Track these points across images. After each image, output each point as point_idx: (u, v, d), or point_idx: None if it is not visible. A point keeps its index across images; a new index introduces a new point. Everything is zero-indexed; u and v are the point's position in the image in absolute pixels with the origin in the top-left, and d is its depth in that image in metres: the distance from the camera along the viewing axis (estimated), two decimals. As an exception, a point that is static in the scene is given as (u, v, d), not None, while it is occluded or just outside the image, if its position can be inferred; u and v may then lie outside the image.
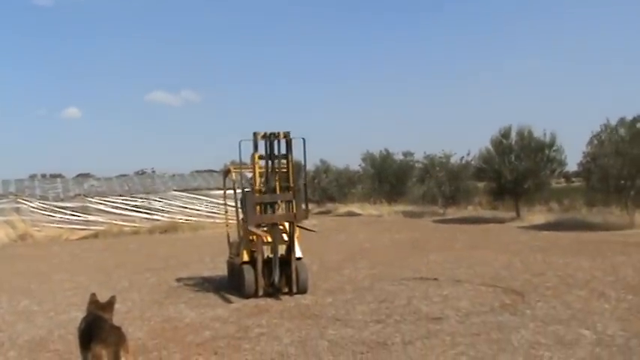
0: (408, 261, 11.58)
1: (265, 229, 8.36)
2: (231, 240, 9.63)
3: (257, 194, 8.31)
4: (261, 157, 8.36)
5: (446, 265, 10.77)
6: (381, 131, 78.29)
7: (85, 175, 25.65)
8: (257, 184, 8.39)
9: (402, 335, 5.90)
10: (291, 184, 8.45)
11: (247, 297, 8.14)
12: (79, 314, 7.21)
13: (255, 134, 8.30)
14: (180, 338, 6.20)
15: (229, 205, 10.09)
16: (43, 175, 25.54)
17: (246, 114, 79.37)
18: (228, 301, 8.09)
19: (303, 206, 8.49)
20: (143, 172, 29.07)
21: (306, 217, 8.60)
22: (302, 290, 8.34)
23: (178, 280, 10.22)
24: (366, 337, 5.93)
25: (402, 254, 12.75)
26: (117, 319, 7.17)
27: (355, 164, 38.40)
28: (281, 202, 8.50)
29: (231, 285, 9.16)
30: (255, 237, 8.25)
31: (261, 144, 8.37)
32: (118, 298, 8.49)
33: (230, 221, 9.80)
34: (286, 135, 8.39)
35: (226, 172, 9.79)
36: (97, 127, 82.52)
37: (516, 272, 9.66)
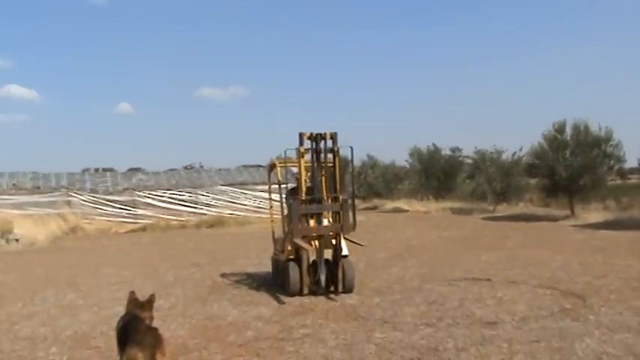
0: (459, 260, 11.15)
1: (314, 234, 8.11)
2: (276, 236, 9.41)
3: (303, 205, 8.02)
4: (307, 151, 8.10)
5: (498, 265, 10.31)
6: (430, 126, 77.23)
7: (136, 170, 25.94)
8: (303, 179, 8.14)
9: (455, 340, 5.54)
10: (338, 191, 8.17)
11: (292, 295, 7.89)
12: (123, 309, 7.13)
13: (300, 135, 8.04)
14: (222, 338, 5.98)
15: (274, 200, 9.87)
16: (96, 170, 25.87)
17: (294, 109, 79.59)
18: (272, 299, 7.87)
19: (351, 217, 8.15)
20: (191, 167, 29.15)
21: (353, 229, 8.21)
22: (348, 289, 8.04)
23: (223, 275, 10.07)
24: (415, 341, 5.59)
25: (452, 252, 12.31)
26: (159, 315, 7.05)
27: (402, 159, 37.93)
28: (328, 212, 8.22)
29: (275, 282, 8.94)
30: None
31: (307, 145, 8.16)
32: (162, 293, 8.40)
33: (275, 216, 9.57)
34: (333, 136, 8.11)
35: (271, 167, 9.56)
36: (148, 122, 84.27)
37: (575, 274, 9.13)
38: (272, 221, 9.61)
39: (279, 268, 8.71)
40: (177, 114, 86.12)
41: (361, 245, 8.11)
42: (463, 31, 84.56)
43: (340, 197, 8.19)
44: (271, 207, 9.84)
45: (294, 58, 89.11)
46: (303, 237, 7.94)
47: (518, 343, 5.39)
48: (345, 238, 8.11)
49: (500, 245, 13.40)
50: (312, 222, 8.15)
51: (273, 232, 9.59)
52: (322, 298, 7.81)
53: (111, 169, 26.83)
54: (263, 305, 7.52)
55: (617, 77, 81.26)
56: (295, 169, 8.85)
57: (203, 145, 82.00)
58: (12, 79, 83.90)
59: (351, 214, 8.17)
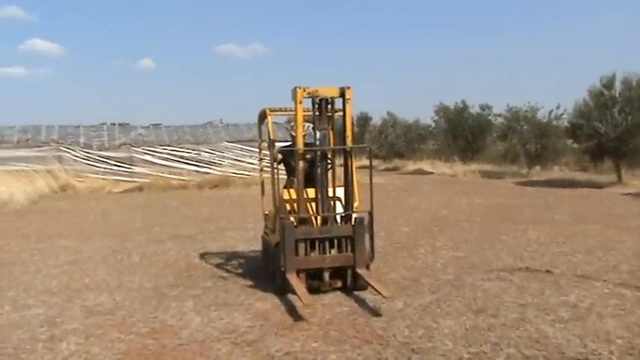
0: (501, 238, 8.92)
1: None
2: (267, 210, 7.14)
3: (298, 227, 5.72)
4: (307, 93, 5.78)
5: (554, 248, 8.06)
6: (457, 82, 73.38)
7: (156, 125, 23.68)
8: (300, 132, 5.85)
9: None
10: (349, 144, 5.88)
11: (281, 292, 5.75)
12: (42, 311, 5.06)
13: (296, 91, 5.73)
14: (159, 376, 3.85)
15: (265, 160, 7.54)
16: (112, 124, 23.58)
17: (313, 68, 76.86)
18: (255, 299, 5.69)
19: (368, 244, 5.83)
20: (212, 124, 26.90)
21: (371, 260, 5.94)
22: (361, 286, 5.85)
23: (202, 256, 7.95)
24: (465, 398, 3.40)
25: (490, 228, 10.06)
26: (87, 324, 4.94)
27: (427, 117, 35.34)
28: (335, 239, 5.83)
29: (265, 268, 6.80)
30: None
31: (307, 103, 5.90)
32: (112, 283, 6.25)
33: (265, 177, 7.28)
34: (343, 92, 5.79)
35: (262, 118, 7.20)
36: (170, 78, 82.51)
37: (662, 265, 6.86)
38: (262, 188, 7.36)
39: (269, 253, 6.51)
40: (198, 70, 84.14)
41: (384, 296, 5.31)
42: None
43: (353, 216, 5.88)
44: (262, 170, 7.61)
45: (315, 17, 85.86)
46: (300, 271, 5.69)
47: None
48: (359, 274, 5.76)
49: (546, 219, 11.09)
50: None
51: (263, 203, 7.36)
52: (324, 298, 5.64)
53: (127, 125, 24.52)
54: (239, 309, 5.34)
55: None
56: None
57: (224, 101, 79.70)
58: (36, 33, 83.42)
59: (367, 238, 5.83)
